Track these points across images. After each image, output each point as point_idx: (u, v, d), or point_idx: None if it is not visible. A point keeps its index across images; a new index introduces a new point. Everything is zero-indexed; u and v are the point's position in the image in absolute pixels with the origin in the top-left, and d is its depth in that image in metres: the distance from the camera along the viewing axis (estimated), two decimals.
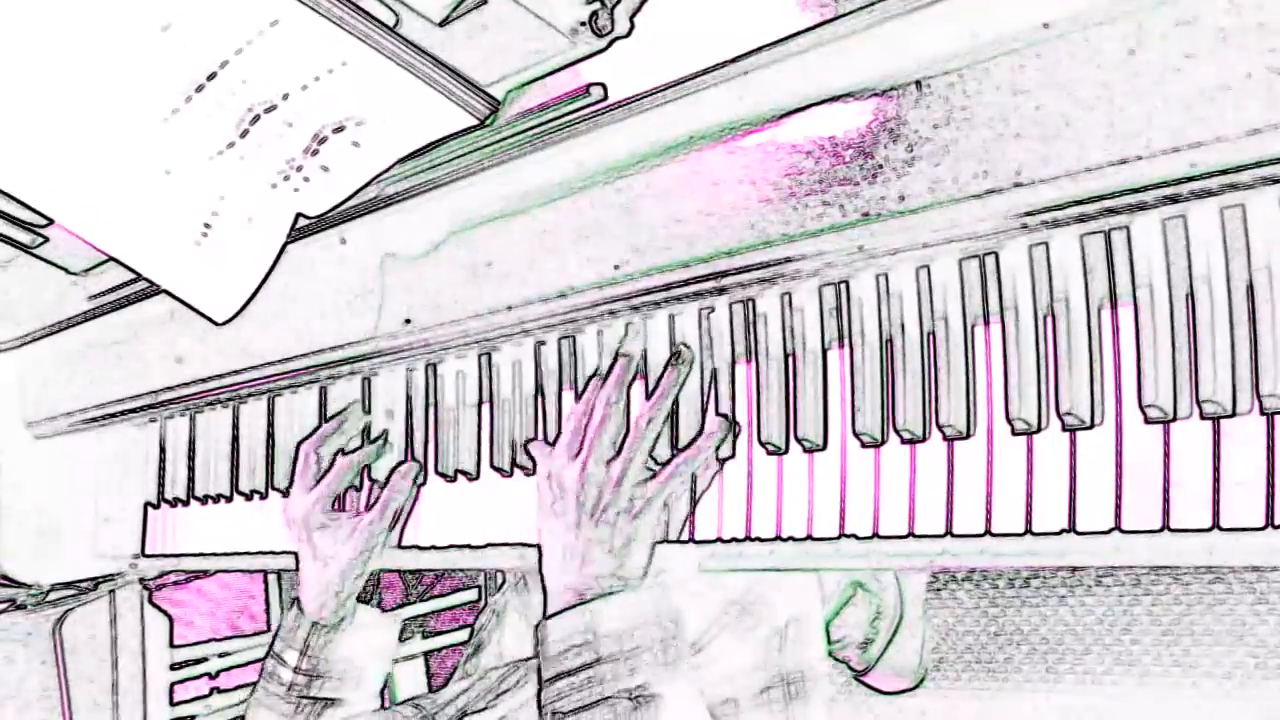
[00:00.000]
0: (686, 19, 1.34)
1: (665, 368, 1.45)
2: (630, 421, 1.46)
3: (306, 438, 1.79)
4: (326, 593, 1.69)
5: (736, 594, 1.51)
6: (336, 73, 1.43)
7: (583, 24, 1.33)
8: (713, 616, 1.51)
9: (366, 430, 1.81)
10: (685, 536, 1.45)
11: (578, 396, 1.54)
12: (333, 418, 1.80)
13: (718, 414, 1.42)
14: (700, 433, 1.43)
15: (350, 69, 1.42)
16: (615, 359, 1.49)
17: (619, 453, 1.43)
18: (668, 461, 1.42)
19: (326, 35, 1.40)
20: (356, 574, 1.70)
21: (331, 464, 1.76)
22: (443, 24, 1.37)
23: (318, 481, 1.74)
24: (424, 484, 1.73)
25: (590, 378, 1.51)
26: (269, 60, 1.43)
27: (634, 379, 1.49)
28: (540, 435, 1.59)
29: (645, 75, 1.36)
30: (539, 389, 1.60)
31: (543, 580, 1.44)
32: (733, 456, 1.41)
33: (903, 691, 1.48)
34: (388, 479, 1.71)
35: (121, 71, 1.46)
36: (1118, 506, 1.17)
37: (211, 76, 1.45)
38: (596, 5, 1.32)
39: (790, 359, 1.38)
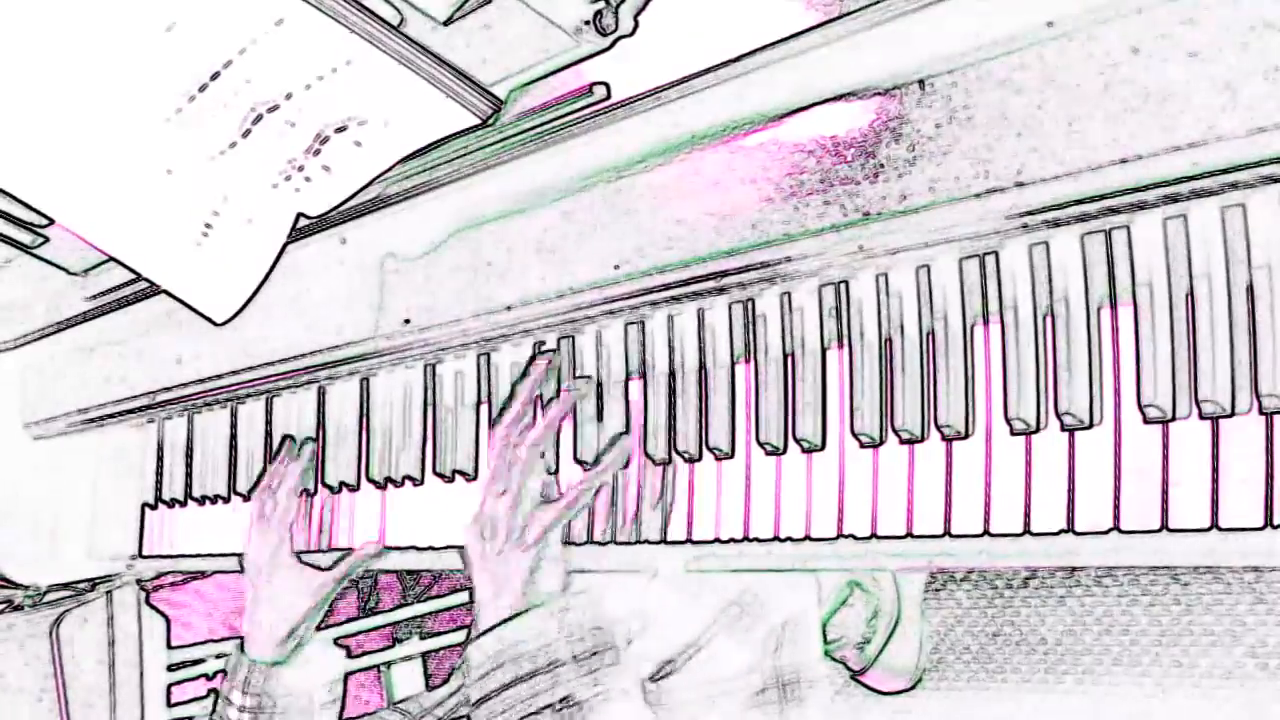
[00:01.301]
0: (691, 18, 1.34)
1: (557, 394, 1.53)
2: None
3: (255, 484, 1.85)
4: (274, 638, 1.75)
5: (734, 594, 1.51)
6: (340, 72, 1.43)
7: (587, 23, 1.33)
8: (710, 617, 1.51)
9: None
10: (683, 536, 1.45)
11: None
12: (276, 452, 1.86)
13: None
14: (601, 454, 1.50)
15: (354, 68, 1.43)
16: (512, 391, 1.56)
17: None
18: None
19: (331, 34, 1.40)
20: (307, 624, 1.77)
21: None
22: (447, 23, 1.37)
23: (271, 523, 1.80)
24: (413, 485, 1.74)
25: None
26: (273, 59, 1.44)
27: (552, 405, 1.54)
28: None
29: (649, 74, 1.36)
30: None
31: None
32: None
33: (900, 691, 1.48)
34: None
35: (125, 71, 1.47)
36: (1117, 506, 1.17)
37: (215, 76, 1.45)
38: (601, 4, 1.32)
39: (789, 359, 1.38)
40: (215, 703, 1.78)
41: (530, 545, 1.48)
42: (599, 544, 1.51)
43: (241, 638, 1.79)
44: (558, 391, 1.54)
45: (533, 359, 1.56)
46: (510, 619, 1.45)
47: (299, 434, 1.89)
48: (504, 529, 1.49)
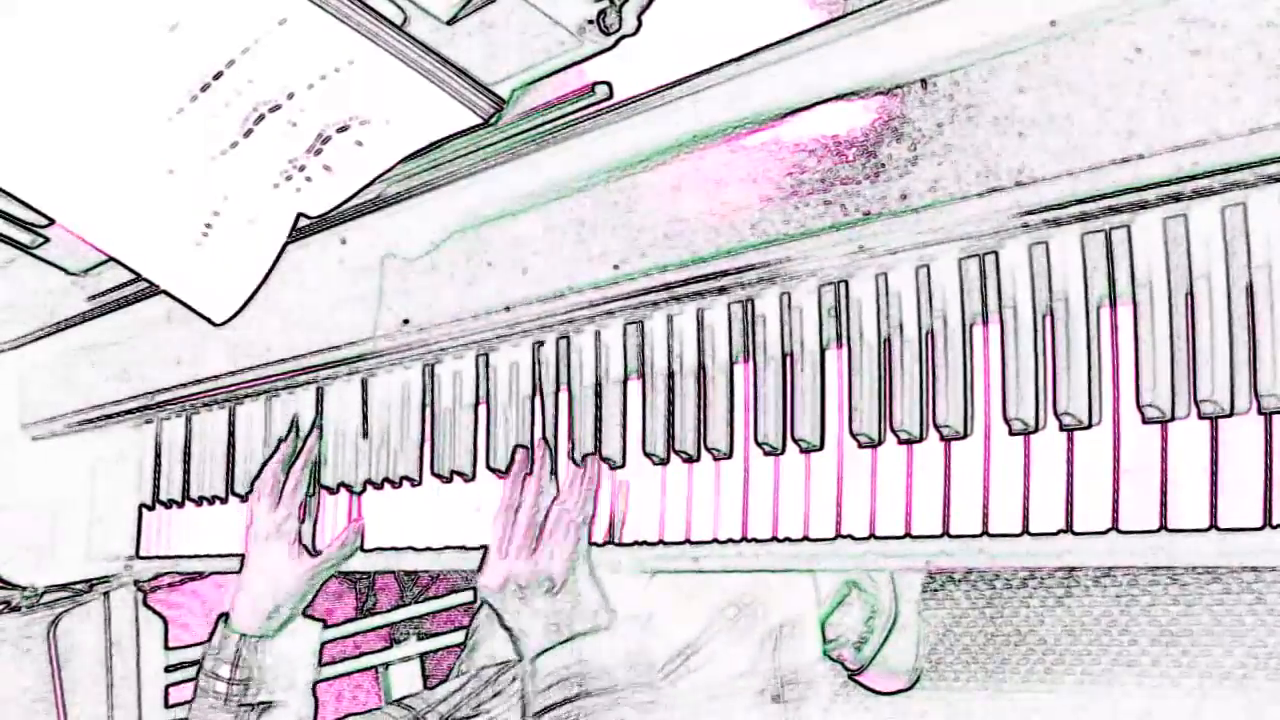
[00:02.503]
0: (695, 17, 1.34)
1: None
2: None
3: (266, 461, 1.85)
4: (259, 612, 1.77)
5: (733, 595, 1.51)
6: (343, 71, 1.44)
7: (590, 22, 1.33)
8: (709, 617, 1.51)
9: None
10: (683, 537, 1.46)
11: (572, 398, 1.55)
12: (284, 438, 1.87)
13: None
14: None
15: (356, 68, 1.43)
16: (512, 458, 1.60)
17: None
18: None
19: (334, 33, 1.40)
20: (289, 609, 1.78)
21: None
22: (450, 22, 1.38)
23: (280, 498, 1.81)
24: (411, 486, 1.74)
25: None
26: (276, 59, 1.44)
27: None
28: (537, 437, 1.59)
29: (653, 73, 1.36)
30: (537, 390, 1.60)
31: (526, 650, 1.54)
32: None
33: (898, 691, 1.48)
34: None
35: (128, 71, 1.47)
36: (1115, 507, 1.17)
37: (218, 75, 1.46)
38: (605, 3, 1.32)
39: (788, 359, 1.38)
40: (197, 675, 1.79)
41: (561, 588, 1.51)
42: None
43: (224, 612, 1.81)
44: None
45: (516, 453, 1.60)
46: (575, 637, 1.49)
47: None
48: (527, 585, 1.52)
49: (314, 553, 1.79)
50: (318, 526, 1.85)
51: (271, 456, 1.85)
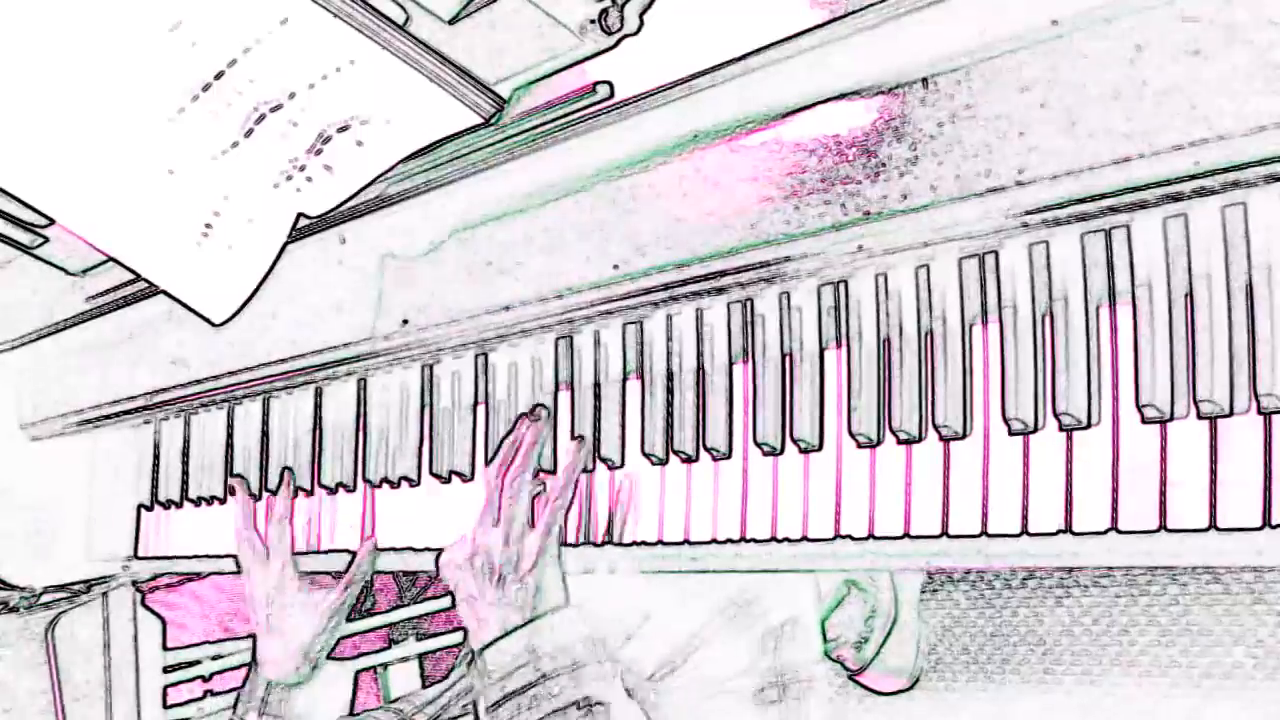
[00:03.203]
0: (697, 16, 1.34)
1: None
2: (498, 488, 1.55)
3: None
4: (288, 662, 1.75)
5: (733, 594, 1.51)
6: (344, 71, 1.43)
7: (592, 21, 1.33)
8: (709, 616, 1.51)
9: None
10: (681, 537, 1.45)
11: (572, 399, 1.55)
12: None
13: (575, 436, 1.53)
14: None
15: (358, 67, 1.43)
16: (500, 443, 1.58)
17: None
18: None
19: (336, 33, 1.40)
20: (319, 646, 1.77)
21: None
22: (452, 21, 1.38)
23: (268, 550, 1.81)
24: (409, 486, 1.74)
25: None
26: (278, 59, 1.44)
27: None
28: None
29: (654, 73, 1.36)
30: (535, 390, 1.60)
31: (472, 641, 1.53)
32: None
33: (898, 692, 1.48)
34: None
35: (129, 71, 1.47)
36: (1114, 507, 1.17)
37: (219, 75, 1.45)
38: (607, 3, 1.32)
39: (787, 359, 1.38)
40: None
41: (527, 574, 1.50)
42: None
43: (254, 649, 1.80)
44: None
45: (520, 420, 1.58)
46: (525, 624, 1.47)
47: (295, 435, 1.88)
48: (498, 561, 1.50)
49: (331, 574, 1.78)
50: (322, 525, 1.84)
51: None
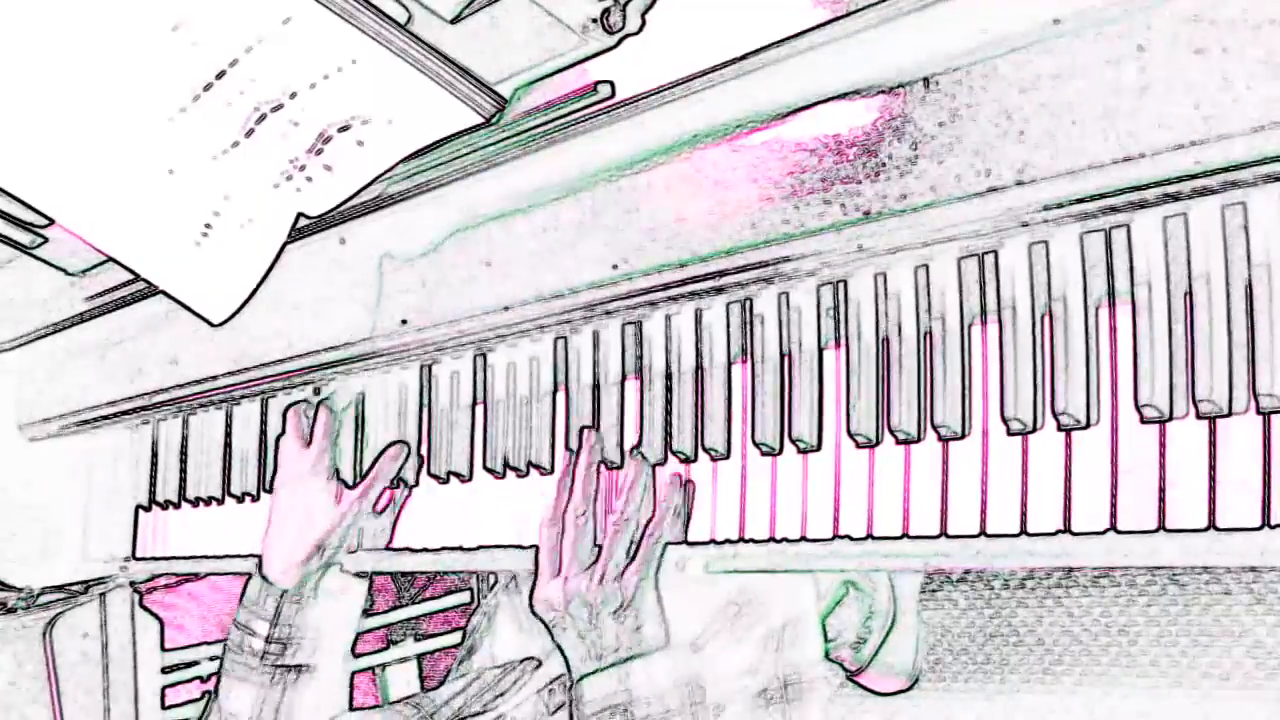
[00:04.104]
0: (699, 16, 1.34)
1: (627, 466, 1.49)
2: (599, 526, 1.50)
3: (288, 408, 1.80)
4: (292, 561, 1.68)
5: (733, 594, 1.51)
6: (345, 71, 1.43)
7: (594, 21, 1.33)
8: (709, 617, 1.51)
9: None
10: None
11: (569, 399, 1.54)
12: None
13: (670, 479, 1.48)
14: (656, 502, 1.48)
15: (359, 67, 1.43)
16: (573, 470, 1.52)
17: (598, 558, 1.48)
18: (637, 547, 1.47)
19: (338, 32, 1.40)
20: (328, 550, 1.70)
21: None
22: (454, 20, 1.38)
23: (310, 438, 1.75)
24: (415, 486, 1.73)
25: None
26: (279, 58, 1.44)
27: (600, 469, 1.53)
28: (533, 437, 1.59)
29: (656, 72, 1.36)
30: (534, 390, 1.60)
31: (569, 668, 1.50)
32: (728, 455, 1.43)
33: (897, 692, 1.48)
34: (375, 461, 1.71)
35: (131, 72, 1.47)
36: (1113, 507, 1.17)
37: (221, 75, 1.45)
38: (609, 2, 1.32)
39: (786, 359, 1.38)
40: (230, 634, 1.71)
41: (625, 611, 1.46)
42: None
43: (259, 559, 1.73)
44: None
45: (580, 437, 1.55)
46: (622, 661, 1.45)
47: None
48: (594, 600, 1.47)
49: (351, 487, 1.72)
50: None
51: (291, 405, 1.79)
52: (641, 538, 1.47)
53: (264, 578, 1.71)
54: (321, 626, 1.70)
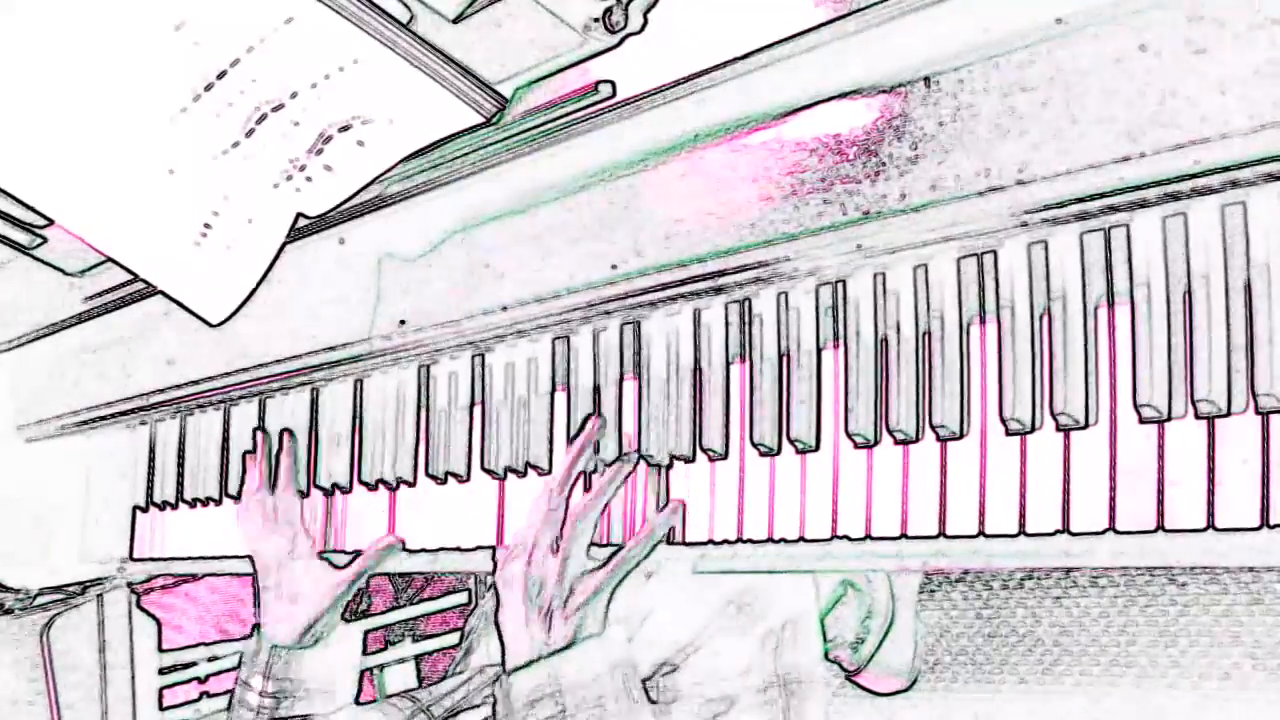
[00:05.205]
0: (701, 15, 1.34)
1: (610, 463, 1.50)
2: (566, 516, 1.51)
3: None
4: (294, 629, 1.72)
5: (732, 594, 1.51)
6: (347, 70, 1.43)
7: (596, 20, 1.33)
8: (709, 616, 1.51)
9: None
10: (677, 538, 1.45)
11: (568, 400, 1.54)
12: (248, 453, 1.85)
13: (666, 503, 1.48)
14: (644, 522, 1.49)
15: (360, 67, 1.43)
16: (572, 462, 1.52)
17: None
18: (614, 554, 1.47)
19: (340, 32, 1.40)
20: (322, 625, 1.73)
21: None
22: (456, 20, 1.38)
23: (275, 524, 1.77)
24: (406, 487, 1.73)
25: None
26: (281, 58, 1.44)
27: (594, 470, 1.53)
28: (531, 438, 1.59)
29: (658, 72, 1.36)
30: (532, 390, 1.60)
31: (504, 658, 1.50)
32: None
33: (896, 692, 1.48)
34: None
35: (132, 71, 1.47)
36: (1112, 507, 1.17)
37: (222, 75, 1.45)
38: (610, 2, 1.32)
39: (784, 359, 1.38)
40: (232, 693, 1.74)
41: (574, 613, 1.47)
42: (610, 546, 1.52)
43: (256, 625, 1.76)
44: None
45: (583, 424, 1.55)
46: (557, 652, 1.45)
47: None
48: (550, 593, 1.47)
49: (337, 565, 1.75)
50: (329, 526, 1.83)
51: (242, 483, 1.82)
52: (619, 549, 1.47)
53: (260, 635, 1.74)
54: (318, 676, 1.73)
